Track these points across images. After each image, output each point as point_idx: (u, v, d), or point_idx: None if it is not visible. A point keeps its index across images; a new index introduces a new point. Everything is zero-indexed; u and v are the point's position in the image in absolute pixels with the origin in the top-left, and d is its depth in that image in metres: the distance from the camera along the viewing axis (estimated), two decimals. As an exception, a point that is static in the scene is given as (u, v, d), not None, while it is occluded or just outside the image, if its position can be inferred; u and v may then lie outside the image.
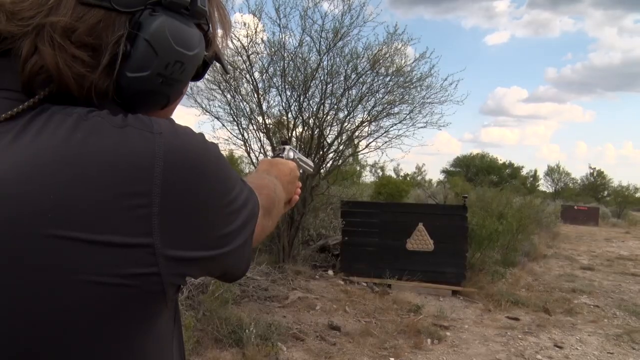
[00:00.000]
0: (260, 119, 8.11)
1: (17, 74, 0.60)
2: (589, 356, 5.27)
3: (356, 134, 8.59)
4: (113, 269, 0.57)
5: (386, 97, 8.30)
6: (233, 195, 0.69)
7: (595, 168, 45.10)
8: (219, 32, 0.76)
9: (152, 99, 0.68)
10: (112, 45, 0.61)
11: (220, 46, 0.78)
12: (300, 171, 1.35)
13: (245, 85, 8.15)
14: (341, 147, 8.58)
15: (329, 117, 8.21)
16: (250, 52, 7.72)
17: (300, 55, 7.85)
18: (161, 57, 0.64)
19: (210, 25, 0.73)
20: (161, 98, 0.69)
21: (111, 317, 0.59)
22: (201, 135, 0.66)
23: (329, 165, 8.58)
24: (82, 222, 0.56)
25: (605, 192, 42.01)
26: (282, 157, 1.24)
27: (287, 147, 1.27)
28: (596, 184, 43.81)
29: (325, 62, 7.83)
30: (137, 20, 0.62)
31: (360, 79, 8.02)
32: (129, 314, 0.60)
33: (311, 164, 1.44)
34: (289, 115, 8.27)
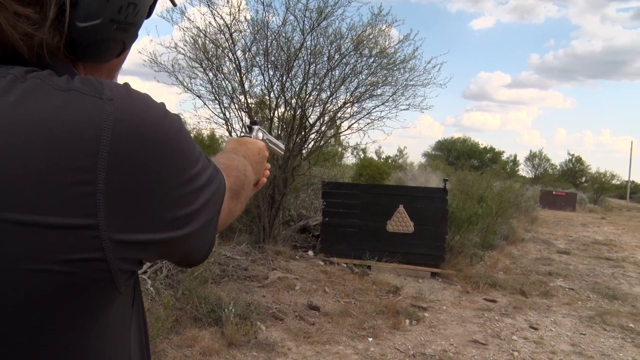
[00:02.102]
0: (242, 98, 8.04)
1: None
2: (562, 337, 5.37)
3: (338, 115, 8.56)
4: (52, 255, 0.50)
5: (369, 78, 8.29)
6: (194, 172, 0.62)
7: (574, 154, 45.71)
8: None
9: (108, 48, 0.62)
10: None
11: None
12: (272, 154, 1.30)
13: (228, 63, 8.06)
14: (323, 128, 8.55)
15: (311, 97, 8.17)
16: (233, 31, 7.62)
17: (284, 34, 7.78)
18: (112, 1, 0.58)
19: None
20: (117, 45, 0.63)
21: (54, 308, 0.52)
22: (161, 104, 0.60)
23: (310, 145, 8.56)
24: (14, 201, 0.49)
25: (583, 179, 42.61)
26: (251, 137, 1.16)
27: (256, 127, 1.19)
28: (574, 170, 44.39)
29: (308, 42, 7.77)
30: None
31: (344, 59, 7.98)
32: (74, 303, 0.54)
33: (282, 146, 1.37)
34: (271, 94, 8.21)
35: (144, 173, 0.55)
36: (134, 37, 0.65)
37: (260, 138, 1.18)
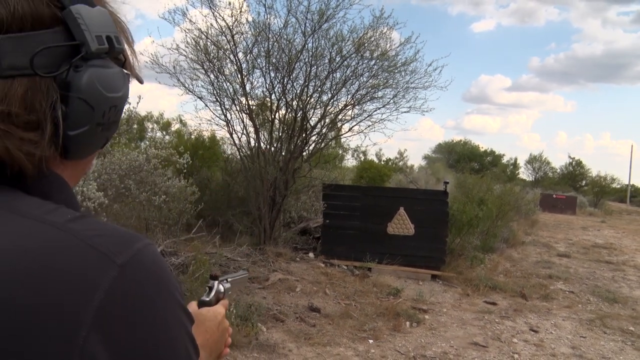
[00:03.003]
0: (243, 99, 8.06)
1: None
2: (562, 340, 5.37)
3: (339, 117, 8.58)
4: None
5: (370, 80, 8.30)
6: None
7: (574, 158, 45.64)
8: (128, 51, 0.73)
9: (95, 146, 0.68)
10: (50, 113, 0.59)
11: (132, 63, 0.75)
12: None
13: (229, 65, 8.07)
14: (324, 130, 8.56)
15: (312, 99, 8.19)
16: (234, 32, 7.65)
17: (285, 36, 7.81)
18: (97, 110, 0.63)
19: (124, 55, 0.71)
20: (101, 142, 0.69)
21: None
22: (176, 293, 0.61)
23: (311, 148, 8.57)
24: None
25: (583, 182, 42.58)
26: (211, 299, 1.09)
27: (215, 282, 1.13)
28: (575, 173, 44.34)
29: (310, 44, 7.80)
30: (63, 80, 0.60)
31: (345, 62, 7.99)
32: None
33: (245, 274, 1.34)
34: (273, 96, 8.24)
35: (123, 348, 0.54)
36: (115, 130, 0.71)
37: (222, 291, 1.14)
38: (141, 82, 0.79)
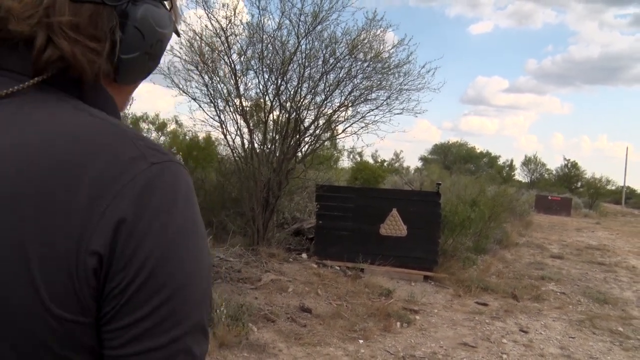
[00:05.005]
0: (237, 101, 8.08)
1: (25, 60, 0.67)
2: (552, 340, 5.41)
3: (333, 118, 8.60)
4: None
5: (364, 82, 8.33)
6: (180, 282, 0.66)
7: (569, 159, 45.77)
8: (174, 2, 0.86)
9: (141, 73, 0.80)
10: (109, 34, 0.71)
11: (176, 12, 0.87)
12: None
13: (223, 67, 8.09)
14: (317, 132, 8.59)
15: (306, 101, 8.21)
16: (228, 34, 7.68)
17: (279, 38, 7.83)
18: (147, 39, 0.75)
19: (171, 2, 0.83)
20: (145, 71, 0.81)
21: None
22: (191, 200, 0.68)
23: (305, 149, 8.60)
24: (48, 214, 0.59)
25: (579, 184, 42.70)
26: None
27: None
28: (570, 175, 44.48)
29: (303, 46, 7.82)
30: (123, 10, 0.72)
31: (339, 63, 8.03)
32: None
33: None
34: (266, 98, 8.26)
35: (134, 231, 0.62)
36: (157, 65, 0.84)
37: None
38: (178, 34, 0.92)
